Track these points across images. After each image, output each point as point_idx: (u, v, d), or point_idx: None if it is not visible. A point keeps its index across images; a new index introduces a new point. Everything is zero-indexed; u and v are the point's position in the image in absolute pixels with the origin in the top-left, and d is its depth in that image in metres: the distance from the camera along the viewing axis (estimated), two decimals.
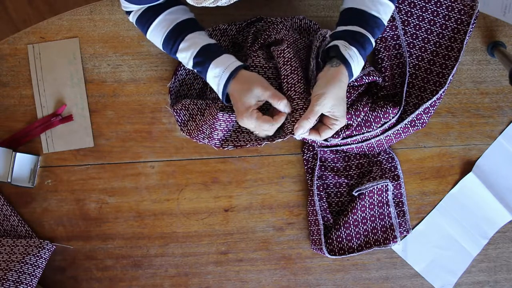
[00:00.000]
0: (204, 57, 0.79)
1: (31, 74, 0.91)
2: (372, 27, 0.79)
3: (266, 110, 0.83)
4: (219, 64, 0.78)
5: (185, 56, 0.80)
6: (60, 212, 0.92)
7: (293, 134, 0.77)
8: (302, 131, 0.76)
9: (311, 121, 0.75)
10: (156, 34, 0.82)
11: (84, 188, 0.92)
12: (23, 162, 0.90)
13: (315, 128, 0.78)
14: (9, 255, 0.87)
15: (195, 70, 0.82)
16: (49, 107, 0.92)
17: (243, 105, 0.77)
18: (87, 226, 0.92)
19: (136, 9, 0.82)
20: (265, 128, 0.77)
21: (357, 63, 0.77)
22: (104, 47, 0.93)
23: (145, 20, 0.82)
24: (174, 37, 0.80)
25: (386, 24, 0.82)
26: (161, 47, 0.83)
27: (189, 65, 0.81)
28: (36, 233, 0.92)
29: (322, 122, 0.78)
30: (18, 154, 0.89)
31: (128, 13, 0.84)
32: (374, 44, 0.80)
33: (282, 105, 0.78)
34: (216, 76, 0.78)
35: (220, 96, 0.80)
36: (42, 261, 0.88)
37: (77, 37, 0.92)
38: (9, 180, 0.89)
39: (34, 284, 0.85)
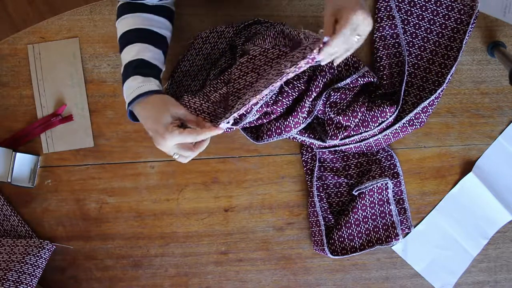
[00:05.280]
0: (128, 70, 0.76)
1: (31, 74, 0.91)
2: None
3: None
4: (133, 83, 0.74)
5: (122, 60, 0.78)
6: (60, 212, 0.92)
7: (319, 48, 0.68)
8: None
9: (329, 27, 0.67)
10: (119, 28, 0.81)
11: (84, 188, 0.92)
12: (23, 162, 0.90)
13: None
14: (9, 255, 0.86)
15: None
16: (49, 107, 0.92)
17: (161, 125, 0.71)
18: (87, 226, 0.92)
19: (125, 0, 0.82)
20: (189, 140, 0.72)
21: None
22: (104, 47, 0.93)
23: (121, 10, 0.81)
24: (127, 39, 0.78)
25: None
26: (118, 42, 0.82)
27: (121, 70, 0.79)
28: (36, 233, 0.92)
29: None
30: (18, 154, 0.89)
31: None
32: None
33: (197, 121, 0.75)
34: (125, 95, 0.75)
35: (128, 114, 0.76)
36: (42, 261, 0.88)
37: (77, 37, 0.92)
38: (9, 180, 0.89)
39: (34, 284, 0.85)
